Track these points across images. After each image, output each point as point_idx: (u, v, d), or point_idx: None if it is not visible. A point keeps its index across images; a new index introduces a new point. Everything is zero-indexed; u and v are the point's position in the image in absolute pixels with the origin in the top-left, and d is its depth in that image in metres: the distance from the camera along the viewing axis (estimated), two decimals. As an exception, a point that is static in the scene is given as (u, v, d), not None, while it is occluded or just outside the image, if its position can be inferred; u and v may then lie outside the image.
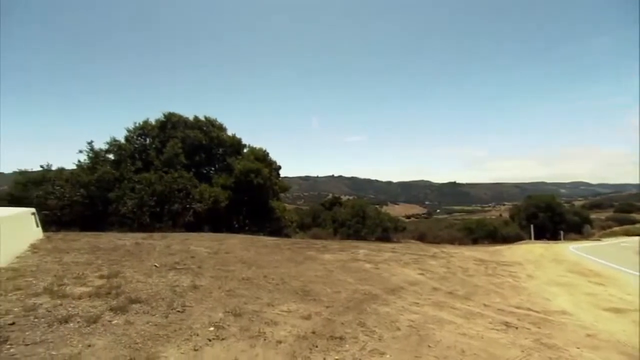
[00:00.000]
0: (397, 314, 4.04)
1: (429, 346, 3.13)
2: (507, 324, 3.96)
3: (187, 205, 12.64)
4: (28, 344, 2.33)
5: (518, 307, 4.78)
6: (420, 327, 3.62)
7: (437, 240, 21.41)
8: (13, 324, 2.63)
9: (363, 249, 9.61)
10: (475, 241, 23.69)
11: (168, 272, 4.87)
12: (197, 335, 2.81)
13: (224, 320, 3.21)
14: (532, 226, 25.90)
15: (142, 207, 11.74)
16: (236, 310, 3.49)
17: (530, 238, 24.65)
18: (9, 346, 2.28)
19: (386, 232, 19.83)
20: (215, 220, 14.09)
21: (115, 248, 6.50)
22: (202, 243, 7.98)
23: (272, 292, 4.42)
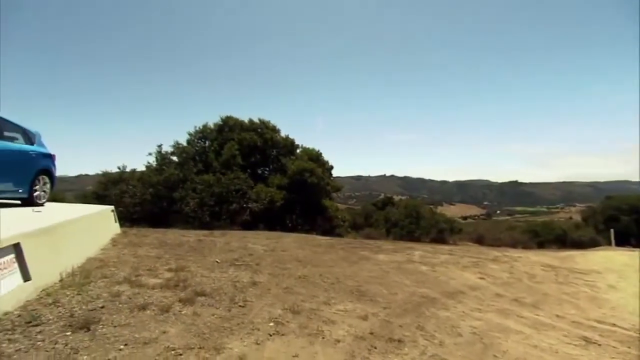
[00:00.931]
0: (458, 319, 3.86)
1: (495, 356, 2.95)
2: (586, 339, 3.61)
3: (244, 205, 13.22)
4: (116, 326, 2.60)
5: (600, 322, 4.32)
6: (484, 334, 3.42)
7: (497, 243, 20.07)
8: (103, 307, 2.95)
9: (418, 251, 9.32)
10: (541, 245, 21.81)
11: (228, 268, 5.13)
12: (258, 329, 2.92)
13: (283, 316, 3.31)
14: (612, 230, 23.21)
15: (202, 206, 12.52)
16: (294, 307, 3.58)
17: (609, 244, 22.13)
18: (101, 326, 2.57)
19: (441, 233, 19.06)
20: (270, 219, 14.57)
21: (180, 244, 7.00)
22: (258, 241, 8.29)
23: (328, 291, 4.46)
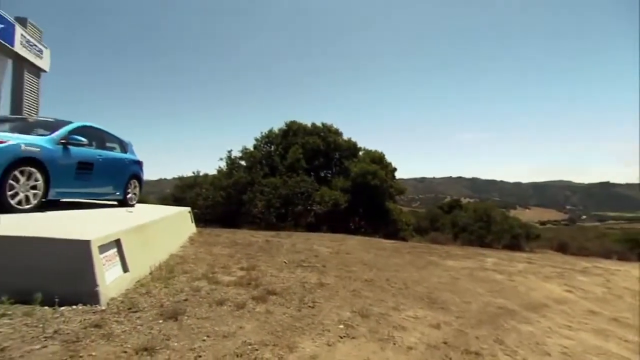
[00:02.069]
0: (544, 335, 3.50)
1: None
2: None
3: (309, 207, 13.51)
4: (198, 318, 2.81)
5: None
6: (578, 356, 3.06)
7: (584, 253, 17.85)
8: (186, 300, 3.21)
9: (491, 257, 8.69)
10: (643, 257, 18.90)
11: (296, 269, 5.27)
12: (329, 331, 2.94)
13: (352, 319, 3.29)
14: None
15: (269, 208, 13.07)
16: (363, 311, 3.55)
17: None
18: (186, 317, 2.80)
19: (516, 239, 17.53)
20: (333, 221, 14.69)
21: (250, 244, 7.36)
22: (323, 243, 8.40)
23: (396, 296, 4.35)
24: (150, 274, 3.97)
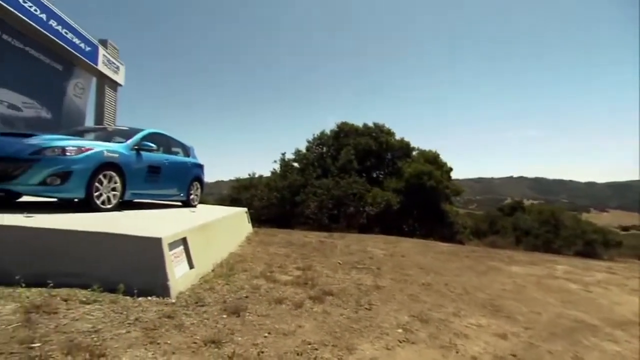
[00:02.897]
0: (635, 358, 3.11)
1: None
2: None
3: (361, 209, 13.44)
4: (259, 315, 2.92)
5: None
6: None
7: (679, 263, 15.63)
8: (247, 297, 3.35)
9: (562, 265, 7.95)
10: None
11: (351, 270, 5.25)
12: (387, 334, 2.89)
13: (411, 324, 3.20)
14: None
15: (322, 209, 13.21)
16: (422, 315, 3.44)
17: None
18: (248, 313, 2.92)
19: (590, 246, 15.90)
20: (386, 223, 14.45)
21: (304, 244, 7.49)
22: (377, 245, 8.29)
23: (456, 301, 4.15)
24: (213, 270, 4.20)
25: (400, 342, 2.76)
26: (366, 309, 3.49)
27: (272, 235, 8.62)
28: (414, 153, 17.57)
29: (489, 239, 18.55)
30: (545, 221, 17.89)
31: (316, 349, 2.44)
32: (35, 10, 7.57)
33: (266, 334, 2.58)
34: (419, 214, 15.80)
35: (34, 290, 2.72)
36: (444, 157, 17.58)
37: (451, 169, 17.96)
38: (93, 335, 2.14)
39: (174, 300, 2.96)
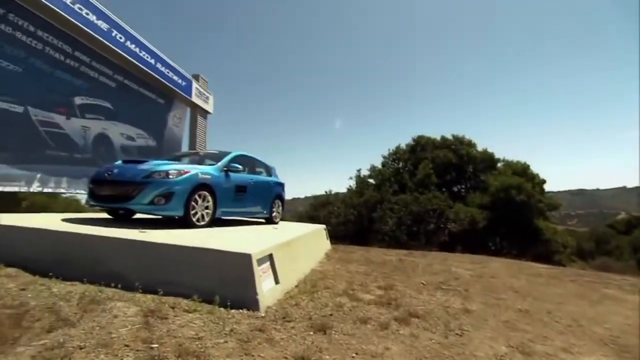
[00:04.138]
0: None
1: None
2: None
3: (442, 225, 12.74)
4: (345, 334, 2.89)
5: None
6: None
7: None
8: (331, 315, 3.36)
9: None
10: None
11: (435, 291, 4.95)
12: (484, 365, 2.63)
13: (511, 355, 2.88)
14: None
15: (400, 226, 12.81)
16: (523, 347, 3.07)
17: None
18: (334, 332, 2.91)
19: None
20: (469, 241, 13.44)
21: (384, 262, 7.30)
22: (462, 264, 7.72)
23: (565, 334, 3.63)
24: (296, 286, 4.31)
25: (501, 375, 2.49)
26: (457, 334, 3.24)
27: (351, 252, 8.59)
28: (500, 165, 16.19)
29: (598, 260, 16.06)
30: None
31: (407, 375, 2.32)
32: (146, 57, 8.90)
33: (354, 354, 2.54)
34: (507, 231, 14.38)
35: (148, 296, 3.09)
36: (536, 169, 15.88)
37: (544, 181, 16.11)
38: (197, 342, 2.33)
39: (263, 314, 3.09)
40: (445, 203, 13.28)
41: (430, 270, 6.63)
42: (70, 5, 6.60)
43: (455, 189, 16.39)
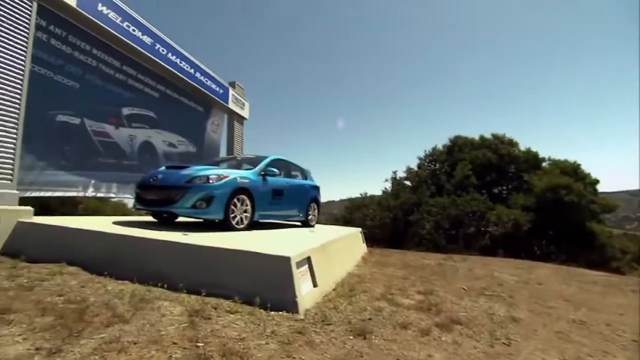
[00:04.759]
0: None
1: None
2: None
3: (482, 229, 12.22)
4: (385, 340, 2.85)
5: None
6: None
7: None
8: (370, 319, 3.32)
9: None
10: None
11: (478, 297, 4.75)
12: (535, 377, 2.48)
13: (565, 368, 2.70)
14: None
15: (438, 229, 12.45)
16: (579, 360, 2.87)
17: None
18: (374, 337, 2.88)
19: None
20: (512, 245, 12.78)
21: (422, 266, 7.13)
22: (505, 270, 7.37)
23: (629, 349, 3.34)
24: (334, 290, 4.31)
25: (555, 389, 2.34)
26: (504, 343, 3.09)
27: (387, 255, 8.47)
28: (545, 164, 15.27)
29: (663, 268, 14.62)
30: None
31: (451, 384, 2.24)
32: (186, 67, 9.34)
33: (395, 360, 2.49)
34: (555, 235, 13.52)
35: (192, 297, 3.22)
36: (587, 167, 14.82)
37: (597, 181, 14.98)
38: (240, 343, 2.40)
39: (302, 317, 3.12)
40: (485, 205, 12.71)
41: (472, 275, 6.38)
42: (120, 23, 7.07)
43: (495, 190, 15.64)
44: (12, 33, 5.06)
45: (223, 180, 5.27)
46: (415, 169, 16.26)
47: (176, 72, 8.94)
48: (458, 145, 16.42)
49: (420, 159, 16.95)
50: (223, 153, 12.05)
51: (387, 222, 14.01)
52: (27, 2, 5.27)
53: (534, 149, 15.97)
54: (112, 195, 7.92)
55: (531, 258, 11.89)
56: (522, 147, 16.19)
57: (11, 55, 5.04)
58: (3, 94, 4.93)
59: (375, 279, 5.33)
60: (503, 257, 11.14)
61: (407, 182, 15.79)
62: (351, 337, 2.81)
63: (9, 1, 5.04)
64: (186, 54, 9.28)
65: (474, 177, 14.40)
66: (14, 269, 3.71)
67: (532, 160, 15.61)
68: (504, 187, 16.02)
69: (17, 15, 5.13)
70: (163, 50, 8.44)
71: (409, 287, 4.97)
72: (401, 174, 16.26)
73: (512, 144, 16.15)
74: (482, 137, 16.66)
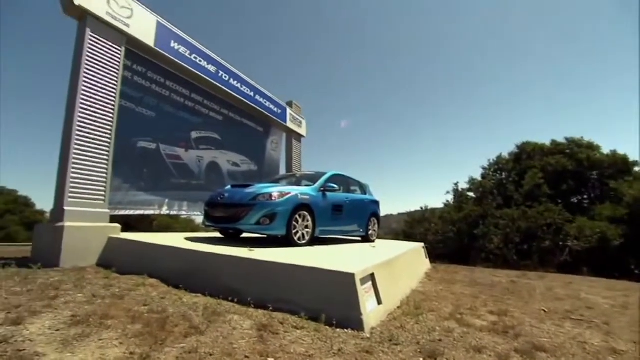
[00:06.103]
0: None
1: None
2: None
3: (560, 243, 11.04)
4: (459, 365, 2.67)
5: None
6: None
7: None
8: (440, 340, 3.14)
9: None
10: None
11: (563, 322, 4.27)
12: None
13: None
14: None
15: (507, 243, 11.51)
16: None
17: None
18: (445, 359, 2.71)
19: None
20: (599, 262, 11.33)
21: (492, 284, 6.61)
22: (594, 290, 6.54)
23: None
24: (399, 308, 4.16)
25: None
26: (602, 376, 2.71)
27: (453, 272, 8.00)
28: (637, 168, 13.42)
29: None
30: None
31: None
32: (247, 90, 9.94)
33: (471, 387, 2.31)
34: (656, 252, 11.72)
35: (260, 311, 3.32)
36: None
37: None
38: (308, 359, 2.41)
39: (368, 335, 3.05)
40: (562, 217, 11.44)
41: (552, 296, 5.76)
42: (188, 56, 7.80)
43: (574, 200, 14.03)
44: (106, 75, 5.86)
45: (285, 197, 5.43)
46: (479, 179, 15.31)
47: (238, 95, 9.57)
48: (526, 152, 15.14)
49: (484, 168, 15.94)
50: (282, 170, 12.47)
51: (451, 237, 13.26)
52: (117, 47, 6.06)
53: (620, 152, 14.19)
54: (183, 212, 8.57)
55: (626, 278, 10.43)
56: (605, 151, 14.48)
57: (105, 94, 5.82)
58: (99, 127, 5.69)
59: (442, 297, 5.05)
60: (588, 275, 9.92)
61: (471, 194, 14.90)
62: (421, 359, 2.67)
63: (105, 49, 5.85)
64: (246, 78, 9.89)
65: (546, 186, 13.12)
66: (107, 279, 4.16)
67: (619, 164, 13.80)
68: (585, 197, 14.35)
69: (110, 59, 5.93)
70: (225, 77, 9.09)
71: (480, 307, 4.63)
72: (464, 185, 15.46)
73: (591, 147, 14.46)
74: (554, 142, 15.20)
